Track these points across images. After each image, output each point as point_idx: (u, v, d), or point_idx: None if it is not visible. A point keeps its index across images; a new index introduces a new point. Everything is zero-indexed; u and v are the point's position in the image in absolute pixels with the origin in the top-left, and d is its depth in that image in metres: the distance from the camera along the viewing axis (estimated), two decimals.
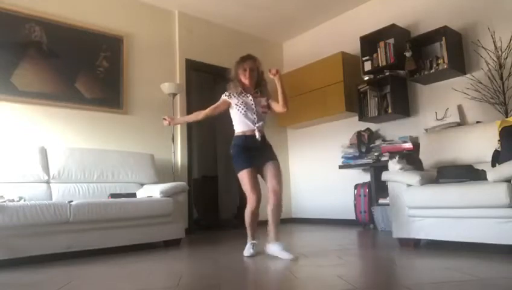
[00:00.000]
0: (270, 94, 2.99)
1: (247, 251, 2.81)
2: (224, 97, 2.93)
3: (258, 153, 2.82)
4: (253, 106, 2.86)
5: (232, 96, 2.90)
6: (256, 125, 2.83)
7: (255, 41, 5.65)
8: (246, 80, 2.89)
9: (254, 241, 2.85)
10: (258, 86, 2.96)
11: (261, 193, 2.77)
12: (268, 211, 2.76)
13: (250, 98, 2.89)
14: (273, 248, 2.70)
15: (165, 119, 3.07)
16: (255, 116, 2.84)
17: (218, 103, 2.95)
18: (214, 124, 6.17)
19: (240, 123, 2.86)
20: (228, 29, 5.42)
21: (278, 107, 2.90)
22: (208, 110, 2.96)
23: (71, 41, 4.09)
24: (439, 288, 1.74)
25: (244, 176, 2.77)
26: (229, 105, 2.91)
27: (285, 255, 2.60)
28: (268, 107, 2.94)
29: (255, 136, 2.81)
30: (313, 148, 5.47)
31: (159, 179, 4.08)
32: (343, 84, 4.72)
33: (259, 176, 2.86)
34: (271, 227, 2.76)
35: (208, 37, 5.19)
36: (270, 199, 2.77)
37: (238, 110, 2.85)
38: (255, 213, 2.78)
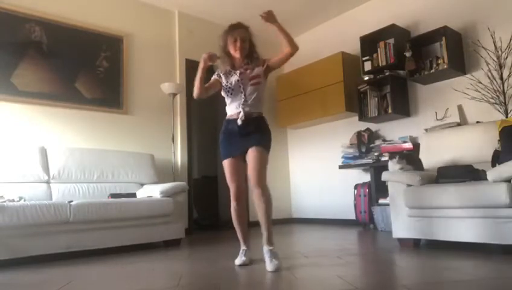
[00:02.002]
0: (262, 59, 2.61)
1: (238, 258, 2.49)
2: (215, 76, 2.64)
3: (241, 138, 2.48)
4: (240, 84, 2.51)
5: (221, 76, 2.60)
6: (242, 106, 2.48)
7: (254, 41, 5.63)
8: (236, 53, 2.54)
9: (244, 248, 2.53)
10: (249, 58, 2.59)
11: (242, 185, 2.51)
12: (256, 206, 2.45)
13: (237, 75, 2.54)
14: (264, 252, 2.38)
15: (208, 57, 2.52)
16: (243, 96, 2.50)
17: (210, 82, 2.63)
18: (214, 123, 6.18)
19: (228, 106, 2.60)
20: None
21: (283, 52, 2.56)
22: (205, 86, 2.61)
23: (71, 41, 4.09)
24: (439, 288, 1.74)
25: (224, 167, 2.54)
26: (220, 85, 2.60)
27: (268, 265, 2.27)
28: (266, 71, 2.58)
29: (236, 120, 2.48)
30: (313, 148, 5.46)
31: (159, 179, 4.09)
32: (343, 84, 4.72)
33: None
34: (262, 227, 2.43)
35: (208, 37, 5.17)
36: (253, 193, 2.43)
37: (226, 93, 2.57)
38: (237, 210, 2.51)
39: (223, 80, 2.58)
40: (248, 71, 2.56)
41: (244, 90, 2.51)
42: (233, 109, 2.55)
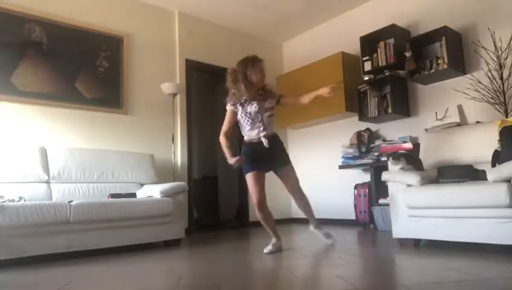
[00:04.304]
0: (275, 92, 3.03)
1: (266, 248, 2.89)
2: (231, 107, 2.94)
3: (268, 158, 2.92)
4: (258, 114, 2.90)
5: (237, 106, 2.92)
6: (262, 133, 2.89)
7: (255, 41, 5.65)
8: (259, 81, 2.89)
9: (273, 241, 2.95)
10: (262, 89, 2.97)
11: (263, 195, 2.91)
12: (298, 207, 3.20)
13: (255, 105, 2.90)
14: (316, 232, 3.18)
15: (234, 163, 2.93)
16: (261, 125, 2.90)
17: (229, 117, 2.97)
18: (214, 123, 6.17)
19: (247, 132, 2.96)
20: (228, 30, 5.42)
21: (298, 101, 3.11)
22: (226, 131, 2.99)
23: (71, 41, 4.09)
24: (439, 288, 1.74)
25: (249, 179, 2.92)
26: (235, 114, 2.96)
27: (325, 240, 3.10)
28: (278, 102, 3.01)
29: (263, 143, 2.89)
30: (313, 148, 5.46)
31: (159, 179, 4.08)
32: (343, 84, 4.72)
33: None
34: (308, 217, 3.18)
35: (208, 37, 5.19)
36: (294, 199, 3.14)
37: (244, 121, 2.92)
38: (262, 215, 2.93)
39: (240, 109, 2.92)
40: (262, 102, 2.93)
41: (262, 120, 2.91)
42: (254, 134, 2.93)
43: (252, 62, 2.89)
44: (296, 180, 3.07)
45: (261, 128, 2.89)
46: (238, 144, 3.29)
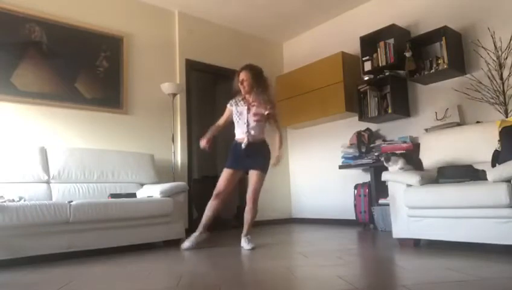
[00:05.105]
0: (268, 104, 3.13)
1: (184, 243, 3.13)
2: (228, 106, 3.27)
3: (244, 159, 3.12)
4: (245, 116, 3.13)
5: (233, 105, 3.23)
6: (246, 134, 3.10)
7: (255, 41, 5.66)
8: (243, 90, 3.17)
9: (196, 233, 3.18)
10: (256, 95, 3.15)
11: (227, 191, 3.17)
12: (244, 213, 3.21)
13: (245, 108, 3.16)
14: (243, 240, 3.16)
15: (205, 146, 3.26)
16: (245, 126, 3.11)
17: (224, 114, 3.29)
18: (214, 123, 6.16)
19: (236, 130, 3.21)
20: (228, 29, 5.42)
21: (274, 134, 3.27)
22: (221, 122, 3.31)
23: (71, 41, 4.09)
24: (439, 288, 1.74)
25: (223, 173, 3.20)
26: (231, 112, 3.24)
27: (245, 245, 3.07)
28: (268, 117, 3.14)
29: (241, 143, 3.10)
30: (313, 148, 5.47)
31: (159, 179, 4.08)
32: (343, 84, 4.72)
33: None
34: (244, 225, 3.22)
35: (208, 37, 5.19)
36: (247, 204, 3.17)
37: (235, 118, 3.20)
38: (213, 205, 3.17)
39: (234, 108, 3.21)
40: (254, 108, 3.13)
41: (248, 122, 3.11)
42: (240, 133, 3.17)
43: (239, 70, 3.20)
44: (256, 190, 3.13)
45: (245, 130, 3.10)
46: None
